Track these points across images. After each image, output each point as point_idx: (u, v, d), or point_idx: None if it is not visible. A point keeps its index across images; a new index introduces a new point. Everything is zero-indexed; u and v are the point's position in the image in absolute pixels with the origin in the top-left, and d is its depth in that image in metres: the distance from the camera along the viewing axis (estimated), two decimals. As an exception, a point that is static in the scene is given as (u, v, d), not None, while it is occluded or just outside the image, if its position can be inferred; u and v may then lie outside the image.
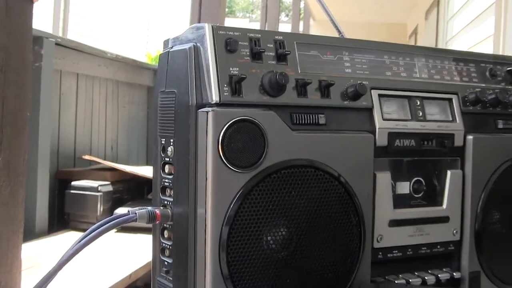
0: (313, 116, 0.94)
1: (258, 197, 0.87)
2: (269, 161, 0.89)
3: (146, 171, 2.42)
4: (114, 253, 1.82)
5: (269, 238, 0.87)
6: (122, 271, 1.61)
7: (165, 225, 0.96)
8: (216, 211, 0.84)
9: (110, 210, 2.25)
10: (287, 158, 0.91)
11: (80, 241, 0.88)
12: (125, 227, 2.02)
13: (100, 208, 2.21)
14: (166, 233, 0.97)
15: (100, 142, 2.84)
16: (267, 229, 0.87)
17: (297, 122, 0.92)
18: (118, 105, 3.00)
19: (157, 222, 0.94)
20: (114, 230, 0.88)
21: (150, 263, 1.03)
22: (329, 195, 0.93)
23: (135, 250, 1.86)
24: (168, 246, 0.96)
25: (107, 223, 0.92)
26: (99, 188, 2.22)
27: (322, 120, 0.95)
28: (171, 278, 0.94)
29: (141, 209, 0.93)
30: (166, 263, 0.96)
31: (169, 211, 0.94)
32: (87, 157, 2.57)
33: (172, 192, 0.94)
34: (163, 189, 0.97)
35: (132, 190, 2.46)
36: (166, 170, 0.96)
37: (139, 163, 3.21)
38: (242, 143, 0.86)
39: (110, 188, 2.27)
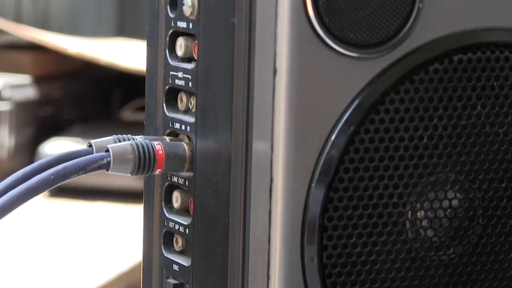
0: None
1: (398, 117, 0.58)
2: (424, 32, 0.57)
3: (119, 53, 1.57)
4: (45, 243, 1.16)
5: (420, 214, 0.58)
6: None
7: (175, 179, 0.66)
8: (296, 148, 0.57)
9: (30, 145, 1.44)
10: (470, 27, 0.58)
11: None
12: (64, 187, 1.17)
13: (7, 139, 1.45)
14: (177, 199, 0.66)
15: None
16: (417, 196, 0.58)
17: None
18: None
19: (157, 172, 0.63)
20: (46, 192, 0.60)
21: (137, 267, 0.92)
22: None
23: (88, 240, 1.19)
24: (181, 229, 0.66)
25: (40, 171, 0.56)
26: (4, 93, 1.37)
27: None
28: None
29: (119, 142, 0.60)
30: (176, 266, 0.66)
31: (185, 146, 0.63)
32: None
33: (193, 103, 0.64)
34: (172, 96, 0.67)
35: (83, 98, 1.58)
36: (180, 51, 0.64)
37: (100, 33, 2.03)
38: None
39: (30, 91, 1.49)
